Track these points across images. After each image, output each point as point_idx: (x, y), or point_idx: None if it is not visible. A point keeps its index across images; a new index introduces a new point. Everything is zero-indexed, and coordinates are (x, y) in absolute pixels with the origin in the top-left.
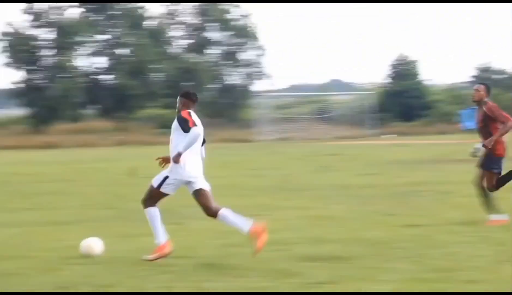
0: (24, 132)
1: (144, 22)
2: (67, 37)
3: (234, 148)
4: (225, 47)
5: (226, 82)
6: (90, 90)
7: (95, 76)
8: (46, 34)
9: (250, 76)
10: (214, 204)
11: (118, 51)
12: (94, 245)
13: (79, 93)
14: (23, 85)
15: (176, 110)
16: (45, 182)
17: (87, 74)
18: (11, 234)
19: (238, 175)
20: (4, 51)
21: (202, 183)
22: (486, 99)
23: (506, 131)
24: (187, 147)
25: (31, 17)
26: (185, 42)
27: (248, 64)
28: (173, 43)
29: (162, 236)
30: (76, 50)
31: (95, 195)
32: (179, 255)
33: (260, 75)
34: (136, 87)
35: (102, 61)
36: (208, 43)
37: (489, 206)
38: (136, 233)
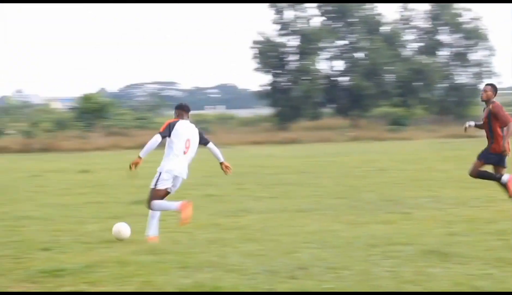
0: (270, 129)
1: (381, 28)
2: (310, 44)
3: (458, 143)
4: (454, 49)
5: (455, 82)
6: (329, 91)
7: (333, 78)
8: (291, 41)
9: (478, 76)
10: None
11: (354, 55)
12: (122, 229)
13: (319, 93)
14: (269, 87)
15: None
16: (286, 173)
17: (326, 77)
18: (256, 219)
19: (459, 169)
20: (254, 57)
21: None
22: (493, 99)
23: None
24: (145, 151)
25: (279, 26)
26: (416, 45)
27: (477, 64)
28: (406, 46)
29: (153, 230)
30: (317, 55)
31: (330, 186)
32: (405, 242)
33: (489, 74)
34: (370, 87)
35: (339, 65)
36: (439, 45)
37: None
38: (366, 221)
